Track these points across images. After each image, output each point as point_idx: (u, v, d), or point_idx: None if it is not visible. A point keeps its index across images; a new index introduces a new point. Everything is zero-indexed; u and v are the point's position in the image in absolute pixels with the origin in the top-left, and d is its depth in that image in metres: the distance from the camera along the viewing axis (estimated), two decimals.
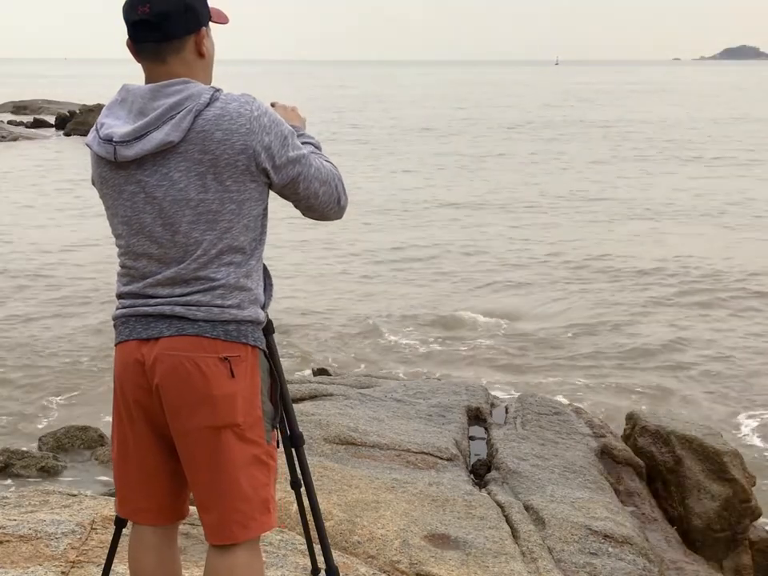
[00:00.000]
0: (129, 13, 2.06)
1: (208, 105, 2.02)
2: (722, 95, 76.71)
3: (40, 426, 8.08)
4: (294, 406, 2.99)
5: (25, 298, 12.41)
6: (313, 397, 5.63)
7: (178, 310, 2.06)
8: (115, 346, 2.18)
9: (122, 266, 2.17)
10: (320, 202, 2.18)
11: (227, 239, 2.06)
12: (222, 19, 2.19)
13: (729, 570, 5.20)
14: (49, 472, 6.74)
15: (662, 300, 12.75)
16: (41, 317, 11.51)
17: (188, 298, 2.06)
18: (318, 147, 2.31)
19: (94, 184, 2.21)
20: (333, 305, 12.49)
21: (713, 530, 5.18)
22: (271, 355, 2.59)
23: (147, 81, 2.10)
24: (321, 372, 7.40)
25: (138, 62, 2.12)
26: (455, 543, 3.69)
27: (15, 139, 33.46)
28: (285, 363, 2.49)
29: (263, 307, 2.18)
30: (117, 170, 2.09)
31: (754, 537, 5.38)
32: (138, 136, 2.02)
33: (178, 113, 2.00)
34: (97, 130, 2.11)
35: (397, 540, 3.62)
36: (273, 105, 2.44)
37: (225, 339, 2.06)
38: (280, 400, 2.28)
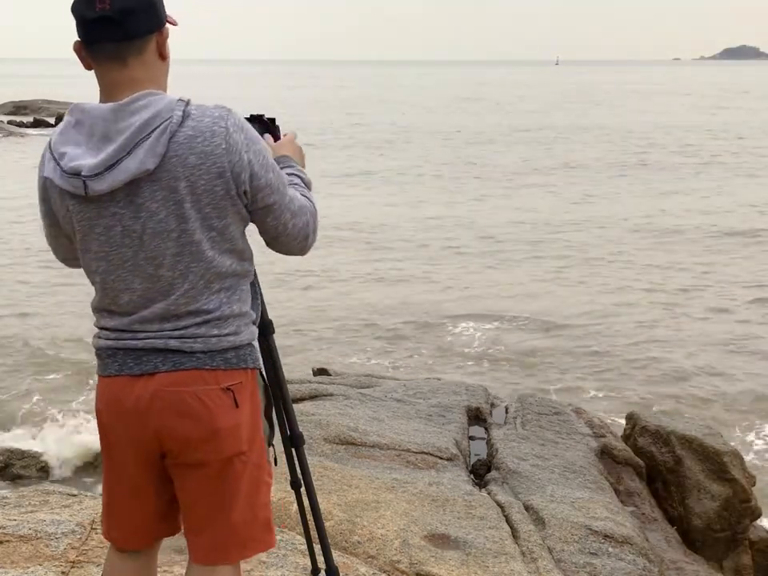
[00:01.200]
0: (84, 10, 1.85)
1: (181, 123, 1.85)
2: (724, 96, 76.67)
3: (39, 426, 8.07)
4: (294, 405, 2.99)
5: (19, 294, 12.41)
6: (313, 397, 5.63)
7: (173, 343, 1.94)
8: (100, 376, 2.05)
9: (101, 301, 2.02)
10: (287, 233, 2.03)
11: (214, 267, 1.94)
12: (172, 20, 2.02)
13: (729, 569, 5.20)
14: (48, 472, 6.75)
15: (664, 303, 12.75)
16: (38, 312, 11.51)
17: (182, 331, 1.95)
18: (306, 183, 2.17)
19: (46, 215, 2.02)
20: (332, 304, 12.50)
21: (713, 529, 5.18)
22: (271, 355, 2.58)
23: (103, 88, 1.93)
24: (321, 372, 7.38)
25: (90, 67, 1.93)
26: (455, 543, 3.69)
27: (21, 137, 33.49)
28: (284, 363, 2.49)
29: (255, 321, 2.10)
30: (86, 204, 1.90)
31: (753, 537, 5.38)
32: (108, 166, 1.83)
33: (150, 134, 1.83)
34: (56, 161, 1.90)
35: (397, 540, 3.62)
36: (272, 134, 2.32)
37: (225, 368, 1.97)
38: (280, 401, 2.26)
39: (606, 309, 12.36)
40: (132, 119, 1.84)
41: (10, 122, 38.38)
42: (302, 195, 2.09)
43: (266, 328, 2.55)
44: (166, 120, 1.84)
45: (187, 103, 1.89)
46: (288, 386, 2.67)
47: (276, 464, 2.20)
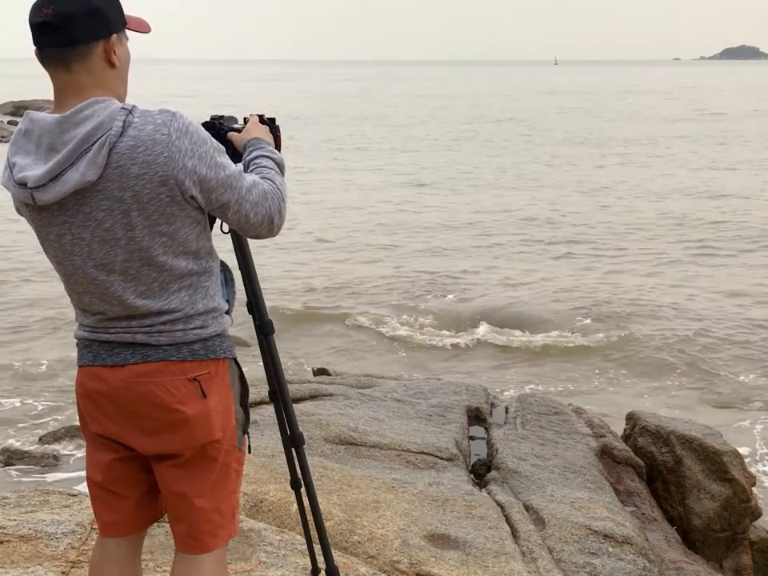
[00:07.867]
0: (33, 15, 1.89)
1: (121, 134, 1.85)
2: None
3: (40, 425, 8.08)
4: (294, 405, 2.99)
5: (17, 291, 12.42)
6: (313, 397, 5.63)
7: (140, 337, 2.00)
8: (78, 366, 2.12)
9: (72, 301, 2.08)
10: (251, 224, 2.03)
11: (168, 270, 1.96)
12: (143, 28, 2.04)
13: (729, 569, 5.20)
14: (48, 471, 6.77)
15: (664, 301, 12.76)
16: (35, 311, 11.51)
17: (148, 327, 2.00)
18: (277, 161, 2.18)
19: (20, 213, 2.08)
20: (332, 303, 12.50)
21: (713, 529, 5.18)
22: (271, 355, 2.58)
23: (54, 93, 1.95)
24: (321, 372, 7.39)
25: (46, 70, 1.96)
26: (455, 543, 3.69)
27: None
28: (285, 363, 2.49)
29: (229, 310, 2.13)
30: (39, 212, 1.95)
31: (753, 537, 5.38)
32: (52, 177, 1.86)
33: (91, 146, 1.84)
34: (10, 170, 1.94)
35: (397, 540, 3.62)
36: (245, 119, 2.36)
37: (192, 359, 2.01)
38: (280, 401, 2.26)
39: (609, 308, 12.37)
40: (76, 131, 1.86)
41: (10, 122, 38.36)
42: (264, 178, 2.08)
43: (265, 328, 2.55)
44: (108, 131, 1.85)
45: (130, 112, 1.88)
46: (288, 386, 2.67)
47: (249, 451, 2.23)
